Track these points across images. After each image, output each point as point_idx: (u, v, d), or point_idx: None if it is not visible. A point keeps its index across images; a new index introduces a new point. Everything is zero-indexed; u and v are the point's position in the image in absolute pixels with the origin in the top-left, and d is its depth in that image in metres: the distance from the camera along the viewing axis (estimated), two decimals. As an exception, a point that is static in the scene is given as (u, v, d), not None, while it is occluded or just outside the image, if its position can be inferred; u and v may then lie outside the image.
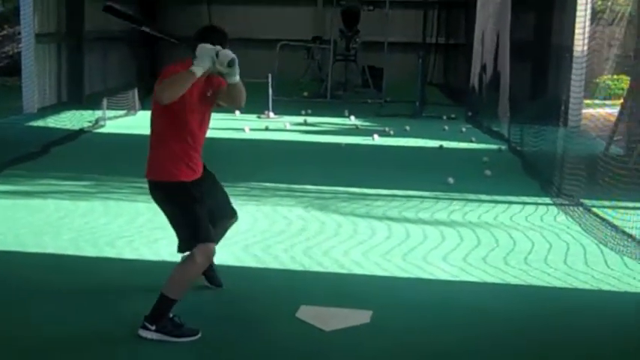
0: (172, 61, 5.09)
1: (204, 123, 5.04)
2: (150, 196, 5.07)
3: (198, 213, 4.90)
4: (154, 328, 4.85)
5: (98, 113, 14.86)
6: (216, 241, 5.17)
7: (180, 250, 5.02)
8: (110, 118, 14.84)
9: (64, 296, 5.63)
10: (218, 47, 4.71)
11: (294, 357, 4.82)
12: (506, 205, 8.60)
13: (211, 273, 5.64)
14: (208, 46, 4.69)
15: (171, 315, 4.89)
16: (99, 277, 6.09)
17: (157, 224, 6.81)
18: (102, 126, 14.29)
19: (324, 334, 5.06)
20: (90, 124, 14.10)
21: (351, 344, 4.96)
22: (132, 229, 7.30)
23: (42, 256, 6.53)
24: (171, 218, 5.01)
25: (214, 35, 4.90)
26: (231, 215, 5.48)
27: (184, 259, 5.00)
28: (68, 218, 7.73)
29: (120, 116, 15.34)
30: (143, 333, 4.86)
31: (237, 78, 4.84)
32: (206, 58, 4.65)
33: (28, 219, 7.68)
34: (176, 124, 4.85)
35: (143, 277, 5.87)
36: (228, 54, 4.71)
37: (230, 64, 4.71)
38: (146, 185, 5.03)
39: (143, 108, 16.54)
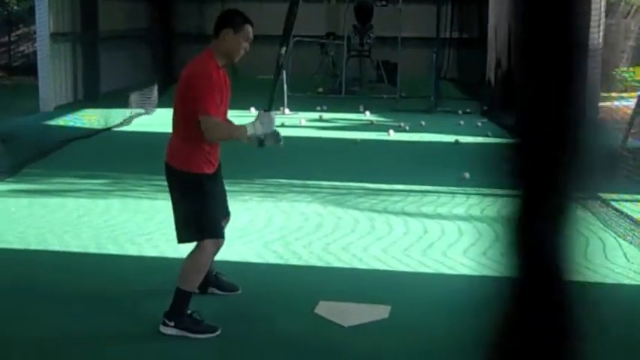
0: (191, 57, 5.15)
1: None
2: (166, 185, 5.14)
3: (210, 207, 4.98)
4: (172, 324, 4.90)
5: (114, 111, 14.93)
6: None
7: (183, 240, 5.04)
8: (128, 118, 14.90)
9: (86, 294, 5.68)
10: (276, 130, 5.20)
11: (312, 353, 4.85)
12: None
13: (221, 283, 5.64)
14: (273, 118, 5.15)
15: (190, 311, 4.94)
16: (121, 274, 6.14)
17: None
18: (122, 124, 14.35)
19: (343, 330, 5.09)
20: (107, 123, 14.15)
21: (370, 340, 4.97)
22: (152, 227, 7.34)
23: (64, 255, 6.58)
24: (180, 207, 5.01)
25: (222, 17, 5.10)
26: (227, 215, 5.49)
27: (195, 250, 5.03)
28: (88, 216, 7.78)
29: (138, 115, 15.39)
30: (163, 329, 4.92)
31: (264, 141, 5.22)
32: (265, 129, 5.10)
33: (48, 217, 7.74)
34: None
35: (164, 274, 5.89)
36: (275, 138, 5.22)
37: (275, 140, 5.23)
38: (165, 183, 5.07)
39: (158, 106, 16.61)
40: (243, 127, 5.03)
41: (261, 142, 5.16)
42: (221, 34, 4.96)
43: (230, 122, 5.20)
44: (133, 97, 15.80)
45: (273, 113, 5.16)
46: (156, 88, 16.87)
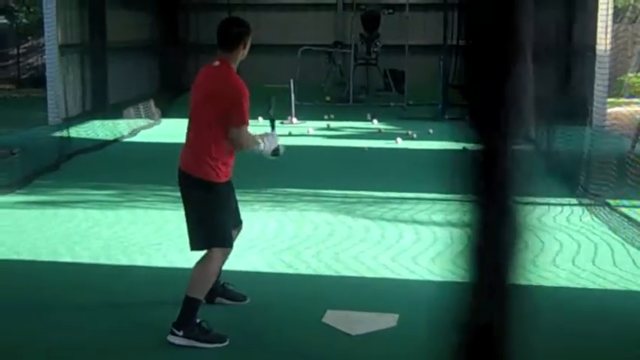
0: (199, 67, 5.21)
1: None
2: (180, 201, 5.17)
3: (223, 216, 5.05)
4: (181, 333, 4.92)
5: (123, 122, 14.99)
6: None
7: (195, 247, 5.08)
8: (136, 129, 14.97)
9: (96, 303, 5.72)
10: (279, 145, 5.36)
11: (321, 363, 4.86)
12: (531, 207, 8.56)
13: (229, 293, 5.66)
14: (276, 140, 5.35)
15: (198, 320, 4.95)
16: (130, 285, 6.16)
17: (185, 232, 6.85)
18: (130, 135, 14.42)
19: (351, 339, 5.09)
20: (115, 134, 14.21)
21: (378, 349, 4.98)
22: (160, 237, 7.36)
23: (74, 266, 6.61)
24: (194, 214, 5.08)
25: (237, 28, 5.16)
26: (239, 224, 5.53)
27: (203, 258, 5.06)
28: (97, 227, 7.81)
29: (144, 127, 15.46)
30: (172, 339, 4.93)
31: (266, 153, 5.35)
32: (267, 149, 5.30)
33: (59, 229, 7.77)
34: (225, 133, 5.00)
35: (174, 285, 5.89)
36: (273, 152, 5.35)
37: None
38: (173, 193, 5.11)
39: (166, 116, 16.67)
40: (257, 142, 5.28)
41: (275, 152, 5.39)
42: (241, 43, 5.09)
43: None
44: (127, 111, 15.90)
45: (273, 135, 5.42)
46: (152, 102, 16.95)
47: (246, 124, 5.02)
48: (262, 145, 5.27)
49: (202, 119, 5.06)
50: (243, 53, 5.14)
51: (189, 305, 4.95)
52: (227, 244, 5.07)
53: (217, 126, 4.97)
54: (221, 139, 4.98)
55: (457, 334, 1.90)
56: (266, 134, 5.39)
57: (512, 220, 1.83)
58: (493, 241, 1.81)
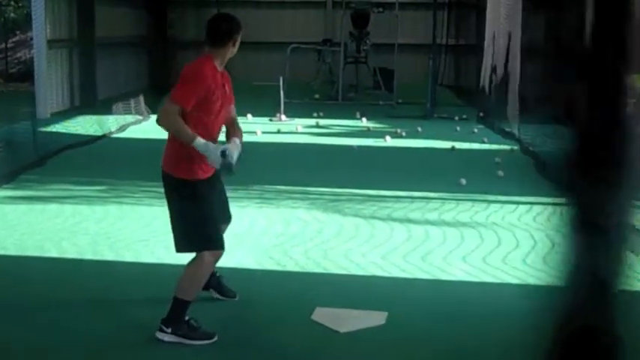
0: (188, 62, 5.13)
1: (220, 124, 5.10)
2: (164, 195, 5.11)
3: (208, 217, 4.91)
4: (169, 330, 4.88)
5: (111, 118, 14.93)
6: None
7: (181, 249, 4.99)
8: (125, 124, 14.91)
9: (82, 300, 5.67)
10: (224, 147, 4.83)
11: (308, 359, 4.83)
12: (515, 206, 8.58)
13: (222, 287, 5.62)
14: (213, 152, 4.78)
15: (187, 318, 4.92)
16: (117, 280, 6.12)
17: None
18: (119, 131, 14.36)
19: (339, 336, 5.08)
20: (104, 130, 14.15)
21: (366, 346, 4.96)
22: (148, 233, 7.33)
23: (61, 261, 6.57)
24: (176, 215, 4.95)
25: (227, 25, 4.99)
26: (229, 219, 5.45)
27: (193, 260, 4.99)
28: (85, 223, 7.76)
29: (133, 123, 15.39)
30: (160, 335, 4.90)
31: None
32: (215, 160, 4.80)
33: (45, 224, 7.72)
34: (198, 128, 4.85)
35: (161, 281, 5.86)
36: (229, 161, 4.82)
37: (227, 167, 4.85)
38: (161, 190, 5.05)
39: (155, 112, 16.61)
40: (194, 135, 4.75)
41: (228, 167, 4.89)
42: (231, 41, 4.94)
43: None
44: (116, 106, 15.84)
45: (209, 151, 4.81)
46: (141, 97, 16.86)
47: (180, 104, 4.73)
48: (207, 146, 4.76)
49: None
50: (232, 51, 4.98)
51: (178, 306, 4.91)
52: (216, 245, 4.94)
53: (187, 116, 4.79)
54: (193, 128, 4.78)
55: (552, 336, 1.88)
56: (222, 147, 4.88)
57: (621, 222, 1.82)
58: (593, 244, 1.79)
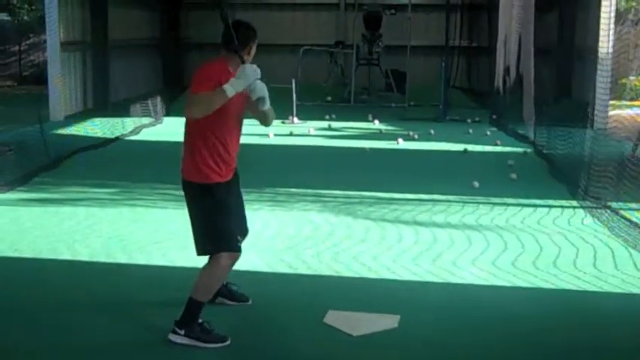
0: (202, 64, 5.13)
1: (238, 129, 5.06)
2: (181, 200, 5.13)
3: (226, 219, 4.93)
4: (183, 332, 4.90)
5: (126, 120, 14.99)
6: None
7: (201, 252, 5.01)
8: (138, 127, 14.97)
9: (95, 303, 5.69)
10: (257, 75, 4.70)
11: (321, 364, 4.84)
12: (532, 209, 8.57)
13: (233, 293, 5.62)
14: (250, 70, 4.69)
15: (200, 320, 4.94)
16: (130, 283, 6.15)
17: (186, 231, 6.84)
18: (132, 133, 14.41)
19: (352, 340, 5.08)
20: (117, 132, 14.21)
21: (379, 349, 4.96)
22: (161, 236, 7.35)
23: (74, 263, 6.60)
24: (194, 218, 4.98)
25: (244, 33, 4.94)
26: (245, 233, 5.43)
27: (210, 262, 5.01)
28: (98, 225, 7.80)
29: (147, 125, 15.45)
30: (173, 337, 4.91)
31: (266, 107, 4.89)
32: (243, 82, 4.66)
33: (59, 226, 7.76)
34: (212, 131, 4.85)
35: (173, 283, 5.89)
36: (258, 91, 4.73)
37: (259, 100, 4.77)
38: (175, 192, 5.08)
39: (169, 114, 16.69)
40: (221, 88, 4.65)
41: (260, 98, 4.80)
42: (246, 49, 4.91)
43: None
44: (134, 108, 15.90)
45: (249, 66, 4.74)
46: (159, 99, 16.92)
47: (200, 90, 4.69)
48: (232, 84, 4.63)
49: (186, 122, 4.95)
50: (247, 59, 4.92)
51: (193, 306, 4.92)
52: (232, 247, 4.94)
53: (204, 124, 4.78)
54: (207, 133, 4.81)
55: None
56: (239, 70, 4.73)
57: None
58: None
